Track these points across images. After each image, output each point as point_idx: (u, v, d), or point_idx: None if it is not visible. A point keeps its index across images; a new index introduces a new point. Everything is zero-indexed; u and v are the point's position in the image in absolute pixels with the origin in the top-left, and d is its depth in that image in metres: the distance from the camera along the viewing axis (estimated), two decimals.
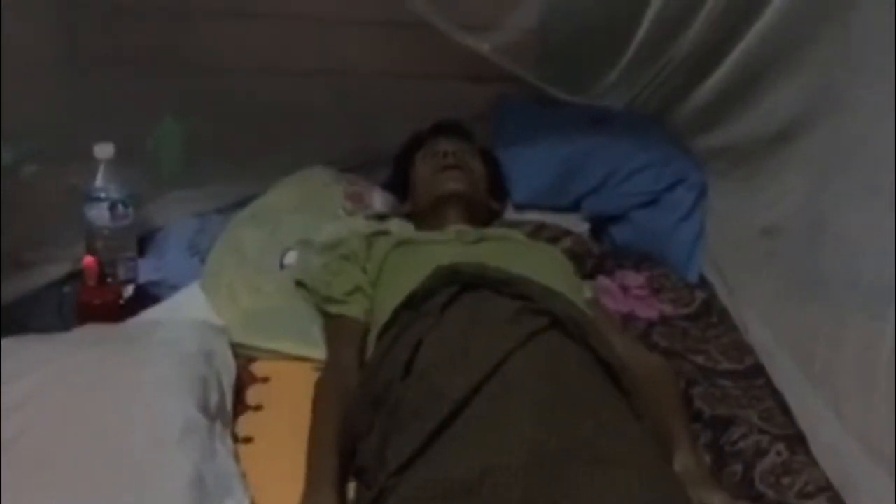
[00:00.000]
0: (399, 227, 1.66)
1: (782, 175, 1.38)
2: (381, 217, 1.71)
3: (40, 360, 1.15)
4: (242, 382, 1.33)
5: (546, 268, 1.38)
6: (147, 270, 1.60)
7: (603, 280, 1.64)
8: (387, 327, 1.18)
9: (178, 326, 1.28)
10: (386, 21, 1.94)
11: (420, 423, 0.99)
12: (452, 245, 1.41)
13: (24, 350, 1.19)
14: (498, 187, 1.76)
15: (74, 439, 1.02)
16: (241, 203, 1.81)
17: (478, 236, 1.45)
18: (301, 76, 1.96)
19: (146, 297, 1.56)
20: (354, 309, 1.40)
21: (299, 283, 1.50)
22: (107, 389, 1.10)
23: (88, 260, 1.51)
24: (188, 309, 1.45)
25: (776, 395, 1.34)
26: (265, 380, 1.36)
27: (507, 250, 1.41)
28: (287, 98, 1.93)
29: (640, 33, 1.65)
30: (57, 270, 1.63)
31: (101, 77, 1.91)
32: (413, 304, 1.17)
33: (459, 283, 1.15)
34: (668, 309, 1.59)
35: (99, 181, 1.56)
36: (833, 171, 1.24)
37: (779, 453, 1.18)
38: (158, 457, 0.99)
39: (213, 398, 1.17)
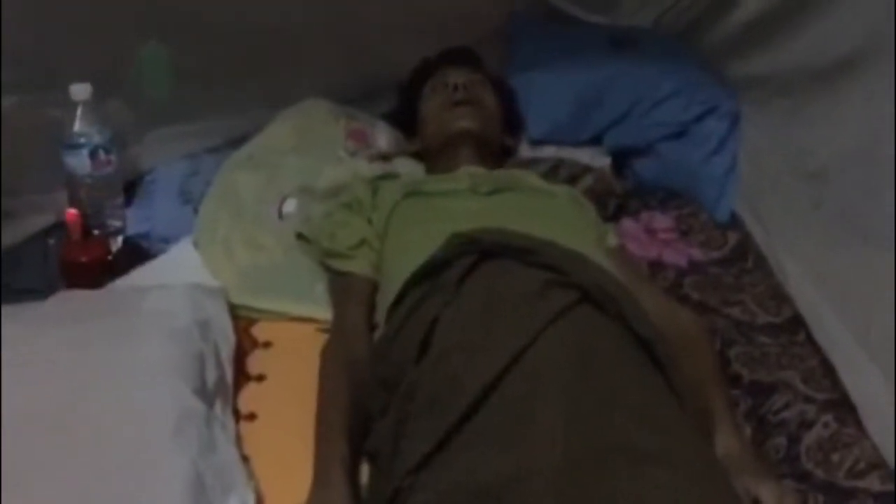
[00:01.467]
0: (406, 168, 1.54)
1: (836, 112, 1.23)
2: (386, 157, 1.58)
3: (20, 341, 1.04)
4: (242, 349, 1.23)
5: (568, 222, 1.27)
6: (135, 221, 1.49)
7: (628, 223, 1.52)
8: (398, 300, 1.07)
9: (168, 294, 1.17)
10: None
11: (438, 414, 0.90)
12: (466, 197, 1.28)
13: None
14: (512, 121, 1.62)
15: (55, 436, 0.92)
16: (235, 141, 1.67)
17: (493, 185, 1.32)
18: None
19: (135, 251, 1.46)
20: (361, 264, 1.28)
21: (300, 236, 1.38)
22: (91, 377, 0.99)
23: (71, 213, 1.39)
24: (180, 268, 1.34)
25: (818, 352, 1.24)
26: (267, 344, 1.27)
27: (526, 203, 1.28)
28: (278, 18, 1.76)
29: None
30: (42, 221, 1.52)
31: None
32: (427, 274, 1.05)
33: (477, 251, 1.03)
34: (697, 253, 1.48)
35: (77, 126, 1.43)
36: None
37: (826, 425, 1.10)
38: (152, 456, 0.90)
39: (211, 375, 1.08)
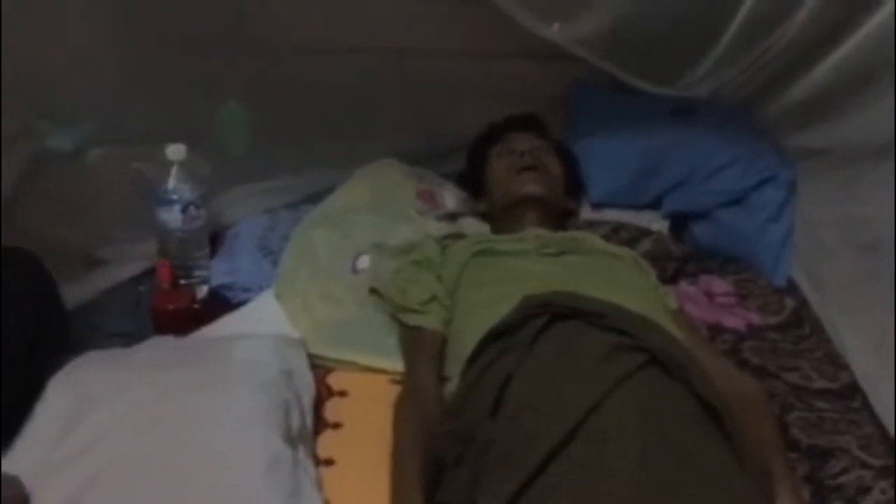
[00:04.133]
0: (473, 228, 1.62)
1: (891, 186, 1.28)
2: (454, 216, 1.66)
3: (113, 387, 1.12)
4: (320, 396, 1.31)
5: (631, 284, 1.32)
6: (219, 273, 1.58)
7: (686, 286, 1.57)
8: (472, 359, 1.14)
9: (256, 344, 1.25)
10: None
11: (513, 468, 0.95)
12: (534, 258, 1.35)
13: (95, 374, 1.16)
14: (574, 184, 1.70)
15: (155, 479, 1.00)
16: (310, 198, 1.78)
17: (559, 247, 1.39)
18: (363, 56, 1.88)
19: (219, 300, 1.55)
20: (431, 319, 1.36)
21: (373, 291, 1.46)
22: (186, 422, 1.07)
23: (162, 264, 1.50)
24: (262, 318, 1.43)
25: (874, 418, 1.28)
26: (342, 393, 1.34)
27: (591, 265, 1.35)
28: (353, 83, 1.87)
29: (737, 20, 1.51)
30: (132, 268, 1.63)
31: (160, 58, 1.88)
32: (501, 333, 1.12)
33: (549, 313, 1.09)
34: (755, 318, 1.52)
35: (171, 183, 1.53)
36: None
37: (883, 491, 1.13)
38: (246, 498, 0.97)
39: (296, 422, 1.15)
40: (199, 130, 1.73)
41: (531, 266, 1.32)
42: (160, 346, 1.28)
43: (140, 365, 1.19)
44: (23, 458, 1.03)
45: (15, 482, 0.97)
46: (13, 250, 1.18)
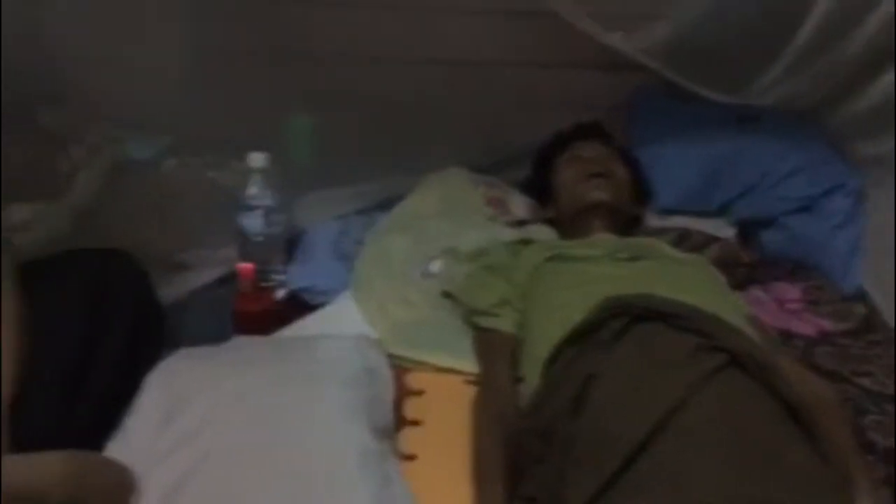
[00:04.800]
0: (541, 234, 1.65)
1: None
2: (522, 222, 1.70)
3: (207, 382, 1.18)
4: (399, 395, 1.35)
5: (705, 288, 1.34)
6: (296, 276, 1.64)
7: (757, 292, 1.58)
8: (552, 359, 1.17)
9: (339, 342, 1.30)
10: (514, 10, 1.90)
11: (596, 466, 0.98)
12: (606, 263, 1.38)
13: (188, 370, 1.22)
14: (640, 191, 1.72)
15: (253, 470, 1.05)
16: (380, 204, 1.83)
17: (630, 253, 1.41)
18: (430, 67, 1.94)
19: (296, 303, 1.61)
20: (504, 322, 1.40)
21: (446, 294, 1.51)
22: (278, 416, 1.12)
23: (245, 268, 1.55)
24: (342, 319, 1.48)
25: None
26: (419, 392, 1.38)
27: (664, 270, 1.37)
28: (421, 93, 1.92)
29: (807, 27, 1.52)
30: (213, 273, 1.69)
31: (233, 70, 1.95)
32: (580, 334, 1.15)
33: (629, 315, 1.12)
34: (826, 324, 1.52)
35: (253, 190, 1.60)
36: None
37: None
38: (341, 487, 1.02)
39: (380, 418, 1.19)
40: (269, 140, 1.80)
41: (604, 270, 1.34)
42: (247, 345, 1.33)
43: (230, 362, 1.25)
44: (125, 449, 1.09)
45: (124, 470, 1.02)
46: (115, 252, 1.24)
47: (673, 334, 1.09)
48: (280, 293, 1.61)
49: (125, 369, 1.17)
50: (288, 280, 1.63)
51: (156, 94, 1.83)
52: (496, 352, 1.36)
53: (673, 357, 1.05)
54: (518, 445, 1.14)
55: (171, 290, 1.62)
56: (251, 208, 1.59)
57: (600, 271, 1.34)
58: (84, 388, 1.10)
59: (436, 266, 1.58)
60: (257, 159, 1.60)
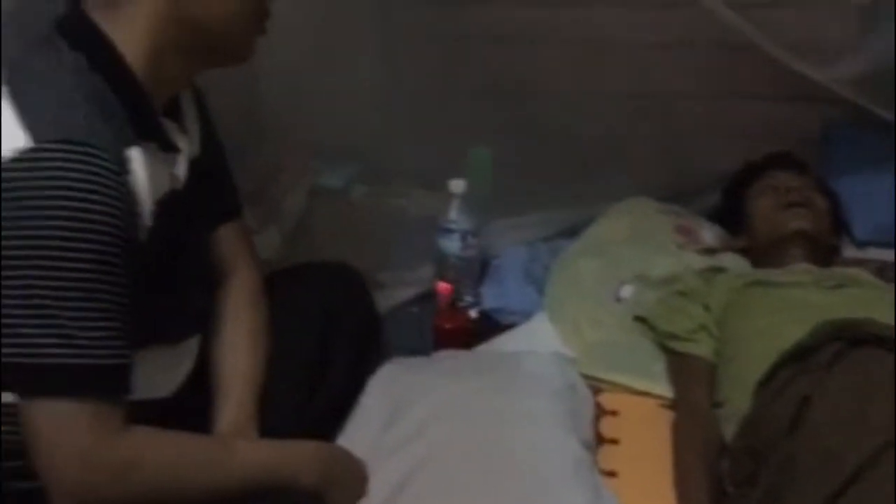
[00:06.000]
0: (733, 263, 1.65)
1: None
2: (712, 251, 1.71)
3: (425, 389, 1.26)
4: (595, 413, 1.39)
5: None
6: (489, 297, 1.72)
7: None
8: (764, 381, 1.18)
9: (541, 358, 1.36)
10: (700, 42, 1.92)
11: (816, 485, 0.98)
12: (812, 290, 1.38)
13: (405, 377, 1.31)
14: (837, 222, 1.69)
15: (474, 468, 1.11)
16: (564, 232, 1.90)
17: (835, 281, 1.40)
18: (614, 100, 1.99)
19: (489, 322, 1.69)
20: (701, 348, 1.41)
21: (639, 319, 1.54)
22: (492, 422, 1.18)
23: (443, 287, 1.65)
24: (537, 338, 1.54)
25: None
26: (614, 413, 1.41)
27: (871, 298, 1.35)
28: (605, 125, 1.97)
29: None
30: (407, 292, 1.80)
31: (419, 105, 2.07)
32: (794, 357, 1.15)
33: (844, 338, 1.12)
34: None
35: (452, 213, 1.70)
36: None
37: None
38: (558, 491, 1.07)
39: (583, 432, 1.24)
40: (451, 171, 1.90)
41: (811, 297, 1.34)
42: (454, 357, 1.42)
43: (442, 371, 1.33)
44: (353, 443, 1.19)
45: (361, 462, 1.12)
46: (342, 266, 1.36)
47: (891, 359, 1.08)
48: (473, 312, 1.69)
49: (353, 372, 1.27)
50: (481, 300, 1.71)
51: (349, 125, 1.99)
52: (695, 376, 1.38)
53: (892, 381, 1.04)
54: (729, 466, 1.15)
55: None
56: (450, 231, 1.69)
57: (808, 297, 1.34)
58: (320, 387, 1.21)
59: (626, 291, 1.61)
60: (457, 185, 1.70)
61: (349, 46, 1.94)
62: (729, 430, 1.23)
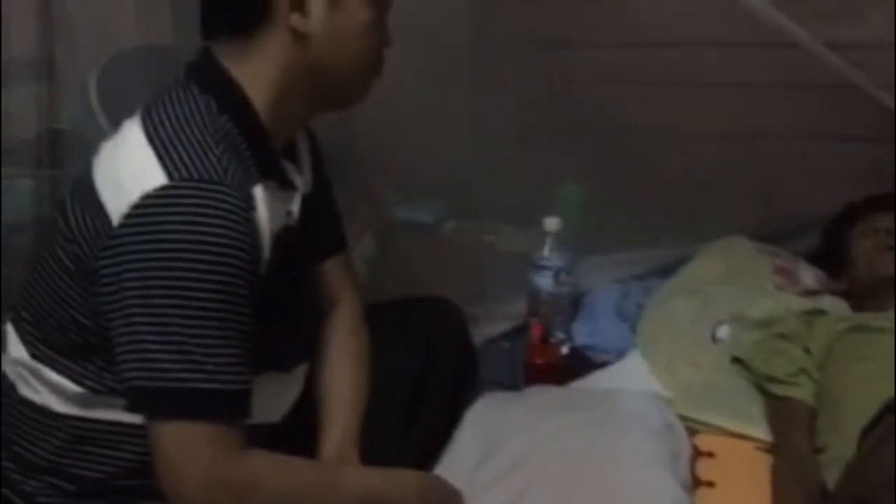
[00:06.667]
0: (832, 305, 1.62)
1: None
2: (812, 293, 1.68)
3: (521, 423, 1.28)
4: (691, 455, 1.38)
5: None
6: (581, 334, 1.73)
7: None
8: (869, 428, 1.16)
9: (638, 396, 1.36)
10: (799, 82, 1.90)
11: None
12: None
13: (501, 410, 1.33)
14: None
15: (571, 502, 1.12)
16: (657, 271, 1.89)
17: None
18: (711, 138, 1.98)
19: (580, 359, 1.69)
20: (802, 392, 1.39)
21: (736, 360, 1.52)
22: (590, 459, 1.19)
23: (535, 323, 1.66)
24: (631, 377, 1.54)
25: None
26: (710, 454, 1.39)
27: None
28: (697, 162, 1.97)
29: None
30: (498, 327, 1.82)
31: (507, 143, 2.11)
32: None
33: None
34: None
35: (546, 251, 1.72)
36: None
37: None
38: None
39: (680, 473, 1.23)
40: (542, 209, 1.92)
41: None
42: (548, 392, 1.43)
43: (537, 406, 1.35)
44: (451, 475, 1.21)
45: (459, 494, 1.14)
46: (442, 300, 1.40)
47: None
48: (565, 348, 1.70)
49: (449, 405, 1.30)
50: (573, 337, 1.72)
51: (441, 162, 2.04)
52: (795, 420, 1.35)
53: None
54: None
55: None
56: (543, 268, 1.71)
57: None
58: (417, 419, 1.24)
59: (723, 331, 1.60)
60: (551, 223, 1.72)
61: (443, 83, 2.00)
62: (830, 477, 1.20)
